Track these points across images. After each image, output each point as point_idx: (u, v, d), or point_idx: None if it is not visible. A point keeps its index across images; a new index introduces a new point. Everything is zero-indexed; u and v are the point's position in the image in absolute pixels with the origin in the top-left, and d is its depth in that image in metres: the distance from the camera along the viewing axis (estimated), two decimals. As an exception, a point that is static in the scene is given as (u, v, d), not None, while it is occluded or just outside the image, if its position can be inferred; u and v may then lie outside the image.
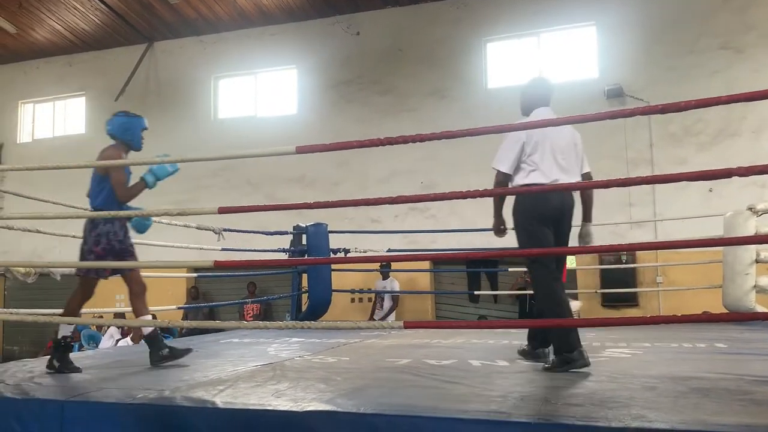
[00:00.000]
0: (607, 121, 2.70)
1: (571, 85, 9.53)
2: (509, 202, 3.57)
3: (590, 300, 8.97)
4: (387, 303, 8.98)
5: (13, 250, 10.85)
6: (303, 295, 7.40)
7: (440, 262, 9.83)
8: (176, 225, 6.02)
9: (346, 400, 2.48)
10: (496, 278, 10.10)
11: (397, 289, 9.01)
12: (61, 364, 3.46)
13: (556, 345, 3.24)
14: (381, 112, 10.36)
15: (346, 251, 7.66)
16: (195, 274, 8.83)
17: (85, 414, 2.56)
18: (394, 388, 2.85)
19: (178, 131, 11.26)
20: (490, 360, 3.72)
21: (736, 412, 2.24)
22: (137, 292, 3.73)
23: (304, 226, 7.28)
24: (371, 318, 8.99)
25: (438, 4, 10.42)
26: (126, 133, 3.75)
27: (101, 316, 8.73)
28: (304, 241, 7.26)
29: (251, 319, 9.73)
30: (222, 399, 2.54)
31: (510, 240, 8.26)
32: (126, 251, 3.72)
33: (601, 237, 9.09)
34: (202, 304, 9.33)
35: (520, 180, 3.44)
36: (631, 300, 8.69)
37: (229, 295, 10.17)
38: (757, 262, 5.98)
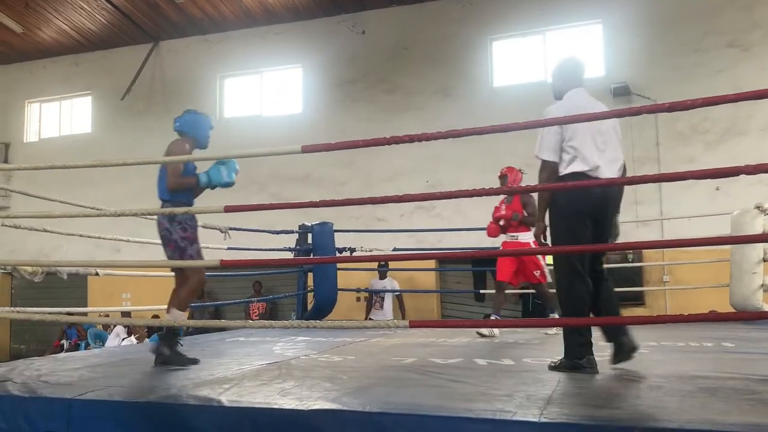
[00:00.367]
0: (613, 120, 2.69)
1: (577, 83, 9.49)
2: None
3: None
4: (388, 303, 8.94)
5: (20, 249, 10.90)
6: (309, 294, 7.40)
7: (446, 261, 9.82)
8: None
9: (351, 399, 2.48)
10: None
11: (397, 288, 8.98)
12: (172, 353, 3.51)
13: (567, 349, 3.18)
14: (386, 111, 10.35)
15: (352, 250, 7.66)
16: (201, 273, 8.84)
17: (92, 412, 2.57)
18: (399, 386, 2.85)
19: (184, 130, 11.27)
20: (495, 359, 3.71)
21: (743, 411, 2.23)
22: (192, 284, 3.80)
23: (309, 225, 7.29)
24: (367, 319, 8.95)
25: (443, 2, 10.40)
26: (193, 129, 3.93)
27: (107, 315, 8.79)
28: (309, 240, 7.28)
29: (257, 317, 9.75)
30: (228, 397, 2.54)
31: (516, 239, 8.00)
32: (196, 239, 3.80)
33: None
34: (208, 303, 9.35)
35: (561, 170, 3.22)
36: (638, 299, 8.66)
37: (234, 294, 10.18)
38: (764, 260, 5.94)
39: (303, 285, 7.40)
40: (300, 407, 2.35)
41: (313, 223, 7.26)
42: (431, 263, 9.51)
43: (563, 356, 3.18)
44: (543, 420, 2.07)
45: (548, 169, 3.22)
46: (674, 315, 2.63)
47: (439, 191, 3.05)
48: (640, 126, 8.79)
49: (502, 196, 5.60)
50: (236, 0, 10.54)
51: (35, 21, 11.24)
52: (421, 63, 10.38)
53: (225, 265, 3.50)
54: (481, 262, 9.28)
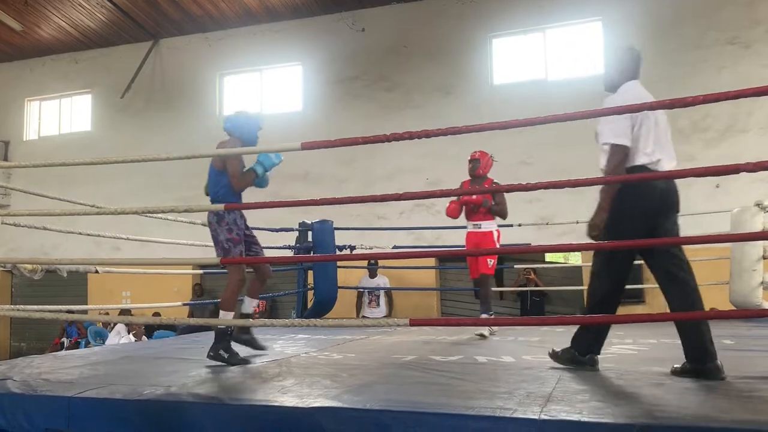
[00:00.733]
0: (613, 116, 2.68)
1: (577, 81, 9.49)
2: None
3: (596, 296, 8.95)
4: (383, 300, 8.91)
5: (20, 247, 10.91)
6: (309, 292, 7.40)
7: (446, 258, 9.81)
8: (182, 222, 6.03)
9: (352, 397, 2.48)
10: (502, 275, 10.08)
11: (388, 286, 8.95)
12: (230, 355, 3.58)
13: (575, 339, 3.14)
14: (386, 109, 10.35)
15: (352, 248, 7.65)
16: (201, 271, 8.84)
17: (91, 410, 2.57)
18: (399, 384, 2.85)
19: (184, 128, 11.28)
20: (495, 356, 3.71)
21: (744, 409, 2.23)
22: (264, 279, 4.05)
23: (309, 223, 7.29)
24: (359, 317, 8.88)
25: None
26: (241, 129, 3.97)
27: (107, 313, 8.78)
28: (309, 238, 7.27)
29: (257, 316, 9.74)
30: (228, 395, 2.55)
31: (514, 237, 8.19)
32: (251, 239, 3.94)
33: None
34: (208, 301, 9.35)
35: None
36: (638, 297, 8.66)
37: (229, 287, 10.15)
38: (764, 258, 5.94)
39: (303, 283, 7.40)
40: (300, 405, 2.35)
41: (313, 221, 7.25)
42: (431, 261, 9.51)
43: (571, 349, 3.14)
44: (543, 417, 2.07)
45: (620, 153, 2.94)
46: (674, 312, 2.63)
47: (439, 189, 3.05)
48: (640, 123, 8.77)
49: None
50: (236, -3, 10.54)
51: (35, 19, 11.22)
52: (421, 60, 10.37)
53: (225, 263, 3.50)
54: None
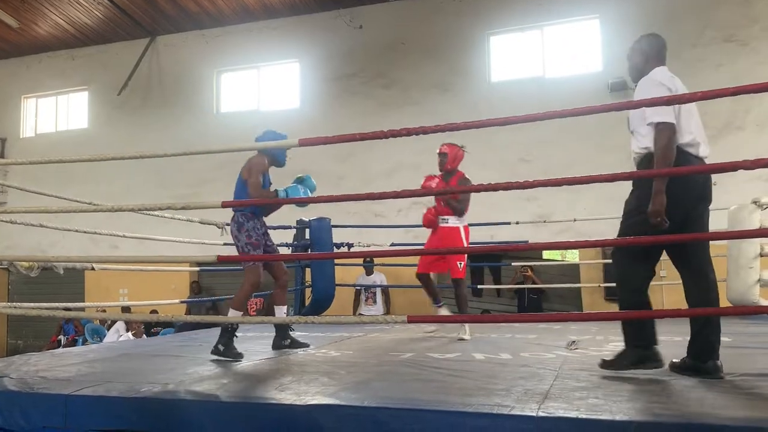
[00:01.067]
0: (611, 114, 2.68)
1: (574, 78, 9.50)
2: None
3: (593, 294, 8.97)
4: (380, 298, 8.91)
5: (17, 244, 10.88)
6: (306, 289, 7.40)
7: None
8: (179, 219, 6.02)
9: (349, 394, 2.48)
10: (499, 272, 10.11)
11: (385, 283, 8.94)
12: (226, 349, 3.71)
13: (630, 338, 2.87)
14: (384, 106, 10.33)
15: (350, 245, 7.64)
16: (198, 268, 8.84)
17: (89, 408, 2.56)
18: (397, 381, 2.85)
19: (181, 125, 11.26)
20: (493, 353, 3.72)
21: (741, 406, 2.24)
22: (284, 283, 4.27)
23: (307, 220, 7.28)
24: (356, 315, 8.89)
25: (441, -3, 10.39)
26: (270, 148, 4.11)
27: (104, 311, 8.78)
28: (307, 236, 7.26)
29: (254, 313, 9.74)
30: (226, 392, 2.54)
31: (512, 235, 8.19)
32: (269, 245, 4.18)
33: (604, 230, 9.02)
34: (205, 299, 9.34)
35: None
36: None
37: (232, 289, 10.12)
38: (761, 255, 5.96)
39: (301, 280, 7.39)
40: (298, 402, 2.35)
41: (311, 219, 7.25)
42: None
43: (625, 348, 2.88)
44: (541, 414, 2.07)
45: (668, 130, 2.75)
46: (671, 310, 2.63)
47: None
48: (637, 121, 8.78)
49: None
50: (233, -6, 10.51)
51: (31, 16, 11.18)
52: (419, 58, 10.36)
53: (222, 260, 3.50)
54: (478, 258, 9.30)
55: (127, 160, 3.54)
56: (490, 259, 9.70)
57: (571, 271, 9.54)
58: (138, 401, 2.52)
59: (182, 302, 7.57)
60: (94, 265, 5.15)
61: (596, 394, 2.38)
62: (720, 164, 2.32)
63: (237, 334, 3.85)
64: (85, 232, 5.13)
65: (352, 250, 7.50)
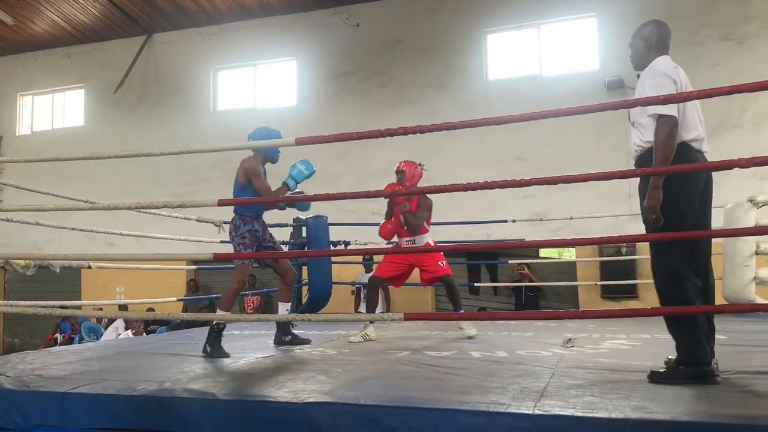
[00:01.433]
0: (608, 112, 2.69)
1: (571, 76, 9.50)
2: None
3: (590, 291, 8.99)
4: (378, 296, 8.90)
5: (13, 242, 10.86)
6: (303, 287, 7.39)
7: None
8: (176, 217, 6.01)
9: (346, 392, 2.48)
10: (496, 270, 10.10)
11: None
12: (213, 349, 3.74)
13: (686, 354, 2.64)
14: (381, 104, 10.33)
15: (347, 243, 7.64)
16: (195, 267, 8.84)
17: (85, 406, 2.56)
18: (394, 379, 2.86)
19: (177, 123, 11.24)
20: (489, 351, 3.72)
21: (736, 403, 2.24)
22: (290, 281, 4.32)
23: (304, 218, 7.27)
24: (357, 311, 8.91)
25: (438, -5, 10.38)
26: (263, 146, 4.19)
27: (101, 309, 8.76)
28: (304, 234, 7.26)
29: (252, 311, 9.74)
30: (222, 391, 2.54)
31: (508, 233, 8.16)
32: (269, 245, 4.23)
33: (600, 229, 9.04)
34: (202, 297, 9.33)
35: None
36: (631, 291, 8.69)
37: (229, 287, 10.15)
38: (757, 253, 5.98)
39: (298, 278, 7.39)
40: (294, 400, 2.35)
41: (308, 217, 7.24)
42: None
43: (679, 362, 2.65)
44: (537, 412, 2.08)
45: (670, 123, 2.64)
46: (667, 307, 2.64)
47: (433, 185, 3.04)
48: (634, 119, 8.79)
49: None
50: (230, -8, 10.49)
51: (27, 13, 11.15)
52: (416, 56, 10.36)
53: (218, 258, 3.50)
54: (475, 256, 9.31)
55: (123, 158, 3.52)
56: (486, 257, 9.70)
57: (568, 269, 9.55)
58: (134, 399, 2.52)
59: (179, 300, 7.56)
60: (91, 264, 5.14)
61: (592, 392, 2.38)
62: (716, 162, 2.32)
63: (224, 333, 3.87)
64: (81, 230, 5.13)
65: (348, 248, 7.50)
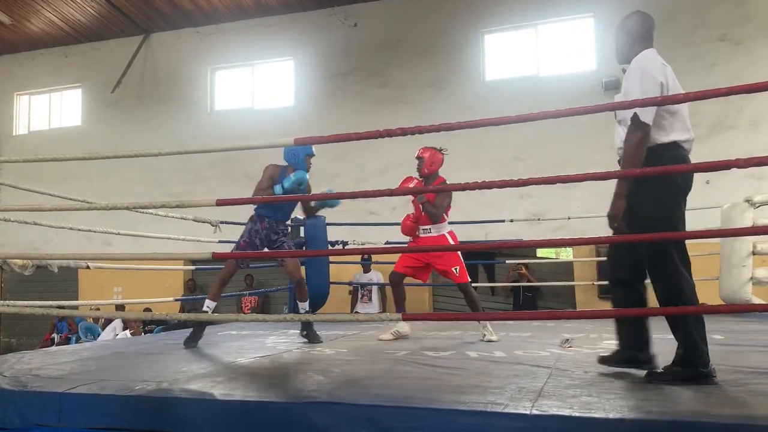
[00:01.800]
0: (605, 112, 2.69)
1: (568, 77, 9.52)
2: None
3: (587, 291, 9.00)
4: (375, 296, 8.91)
5: (11, 242, 10.84)
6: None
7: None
8: (173, 217, 6.01)
9: (344, 392, 2.48)
10: (493, 270, 10.11)
11: (381, 281, 8.93)
12: (187, 338, 4.19)
13: (686, 353, 2.65)
14: (378, 104, 10.33)
15: (345, 243, 7.65)
16: (192, 267, 8.83)
17: (82, 405, 2.56)
18: (392, 379, 2.86)
19: (175, 123, 11.23)
20: (487, 351, 3.73)
21: (733, 403, 2.25)
22: (297, 281, 4.50)
23: (301, 218, 7.27)
24: (353, 312, 8.89)
25: (436, -5, 10.39)
26: (289, 157, 4.53)
27: (98, 309, 8.75)
28: (302, 234, 7.26)
29: (249, 311, 9.74)
30: (220, 391, 2.54)
31: (506, 232, 8.18)
32: (275, 246, 4.44)
33: (597, 229, 9.03)
34: (200, 296, 9.31)
35: (660, 138, 2.66)
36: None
37: (226, 287, 10.13)
38: (753, 254, 6.00)
39: (296, 278, 7.39)
40: (293, 400, 2.36)
41: (305, 216, 7.24)
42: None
43: (679, 363, 2.65)
44: (534, 412, 2.08)
45: (642, 131, 2.61)
46: (664, 308, 2.64)
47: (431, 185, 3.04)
48: (631, 120, 8.80)
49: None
50: (227, -8, 10.49)
51: (24, 12, 11.13)
52: (414, 56, 10.36)
53: (217, 258, 3.50)
54: (472, 256, 9.31)
55: (121, 158, 3.52)
56: (484, 257, 9.71)
57: (566, 269, 9.57)
58: (132, 399, 2.51)
59: (176, 300, 7.55)
60: (89, 263, 5.14)
61: (590, 392, 2.39)
62: (713, 163, 2.33)
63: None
64: (79, 229, 5.12)
65: (346, 247, 7.51)
